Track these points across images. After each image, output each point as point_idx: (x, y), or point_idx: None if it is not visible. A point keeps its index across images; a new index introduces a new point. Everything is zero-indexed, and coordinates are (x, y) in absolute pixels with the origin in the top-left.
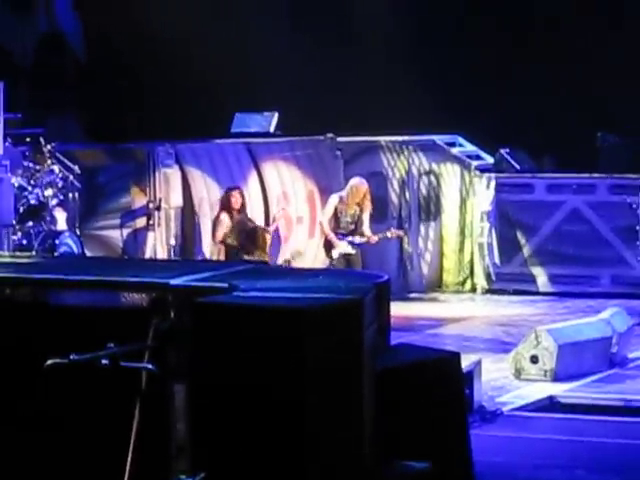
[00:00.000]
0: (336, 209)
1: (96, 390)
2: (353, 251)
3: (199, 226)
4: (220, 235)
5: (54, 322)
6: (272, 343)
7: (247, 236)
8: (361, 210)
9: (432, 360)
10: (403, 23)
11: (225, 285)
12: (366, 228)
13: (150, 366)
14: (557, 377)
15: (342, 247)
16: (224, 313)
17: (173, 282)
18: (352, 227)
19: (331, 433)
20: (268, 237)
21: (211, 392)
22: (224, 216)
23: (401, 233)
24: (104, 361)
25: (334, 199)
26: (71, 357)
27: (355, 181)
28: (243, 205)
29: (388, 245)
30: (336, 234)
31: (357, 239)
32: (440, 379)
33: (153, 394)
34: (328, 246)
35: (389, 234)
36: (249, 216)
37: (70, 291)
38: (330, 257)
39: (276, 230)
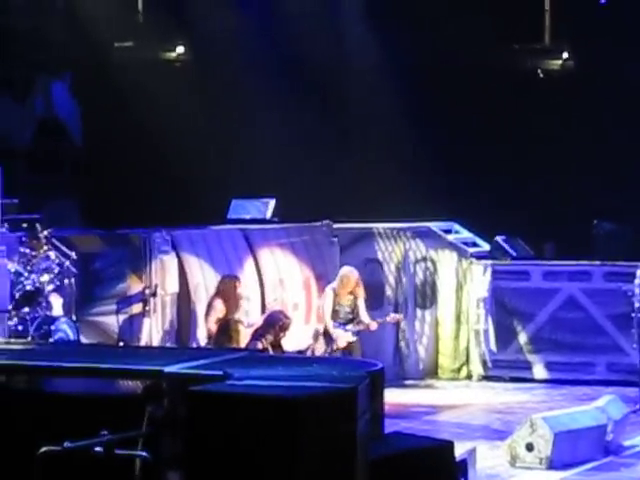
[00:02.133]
0: (333, 302)
1: (90, 478)
2: (354, 338)
3: (195, 312)
4: (213, 320)
5: (48, 409)
6: (266, 432)
7: (220, 328)
8: (355, 298)
9: (425, 449)
10: (398, 111)
11: (219, 373)
12: (363, 315)
13: (144, 454)
14: (553, 465)
15: (346, 337)
16: (218, 402)
17: (167, 370)
18: (350, 316)
19: None
20: (242, 329)
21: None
22: (218, 302)
23: (400, 317)
24: (98, 448)
25: (330, 292)
26: (65, 445)
27: (345, 271)
28: (239, 293)
29: (384, 332)
30: (337, 325)
31: (356, 327)
32: (433, 468)
33: None
34: (329, 341)
35: (388, 319)
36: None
37: (65, 378)
38: (334, 349)
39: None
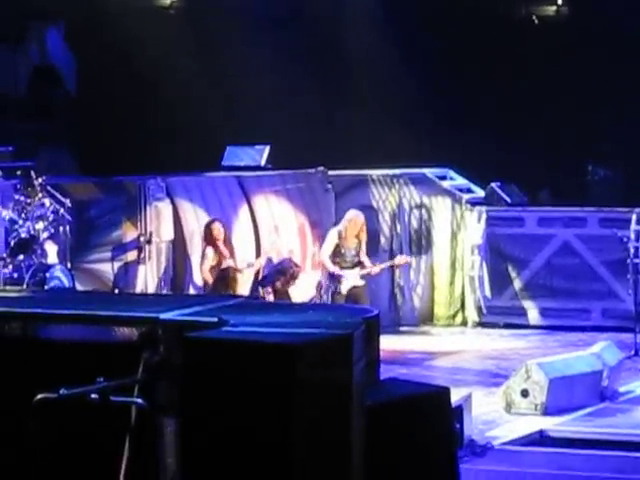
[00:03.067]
0: (337, 245)
1: (85, 425)
2: (362, 282)
3: (190, 259)
4: (206, 269)
5: (44, 356)
6: (261, 378)
7: (216, 277)
8: (360, 242)
9: (421, 395)
10: (394, 60)
11: (215, 319)
12: (366, 260)
13: (140, 401)
14: (548, 411)
15: (351, 280)
16: (214, 348)
17: (163, 316)
18: (356, 259)
19: (320, 469)
20: (239, 277)
21: (201, 427)
22: (209, 250)
23: (409, 259)
24: (94, 396)
25: (333, 234)
26: (60, 392)
27: (352, 214)
28: (226, 236)
29: (380, 278)
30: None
31: (362, 271)
32: (429, 414)
33: (143, 429)
34: (336, 282)
35: (397, 261)
36: (233, 246)
37: (60, 325)
38: (339, 292)
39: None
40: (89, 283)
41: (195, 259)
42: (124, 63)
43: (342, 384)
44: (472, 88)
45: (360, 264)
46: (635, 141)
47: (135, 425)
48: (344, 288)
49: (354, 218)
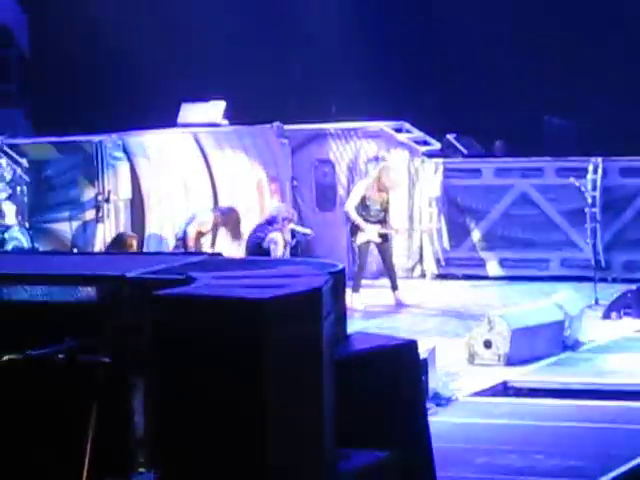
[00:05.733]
0: (364, 197)
1: (53, 385)
2: (378, 240)
3: (148, 217)
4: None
5: (8, 318)
6: (231, 335)
7: (113, 241)
8: (387, 200)
9: (390, 348)
10: (349, 13)
11: (182, 277)
12: (393, 217)
13: (107, 360)
14: (510, 361)
15: (369, 233)
16: (183, 305)
17: (129, 274)
18: (382, 215)
19: (292, 423)
20: (134, 242)
21: (170, 384)
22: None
23: (432, 226)
24: (61, 356)
25: (360, 187)
26: (27, 353)
27: (383, 164)
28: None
29: (338, 231)
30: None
31: (383, 229)
32: (398, 367)
33: (110, 388)
34: (354, 231)
35: (423, 227)
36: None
37: (24, 286)
38: (354, 241)
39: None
40: (47, 243)
41: (153, 217)
42: (76, 22)
43: (312, 339)
44: (425, 41)
45: (383, 222)
46: (589, 91)
47: (103, 384)
48: (359, 239)
49: (383, 169)
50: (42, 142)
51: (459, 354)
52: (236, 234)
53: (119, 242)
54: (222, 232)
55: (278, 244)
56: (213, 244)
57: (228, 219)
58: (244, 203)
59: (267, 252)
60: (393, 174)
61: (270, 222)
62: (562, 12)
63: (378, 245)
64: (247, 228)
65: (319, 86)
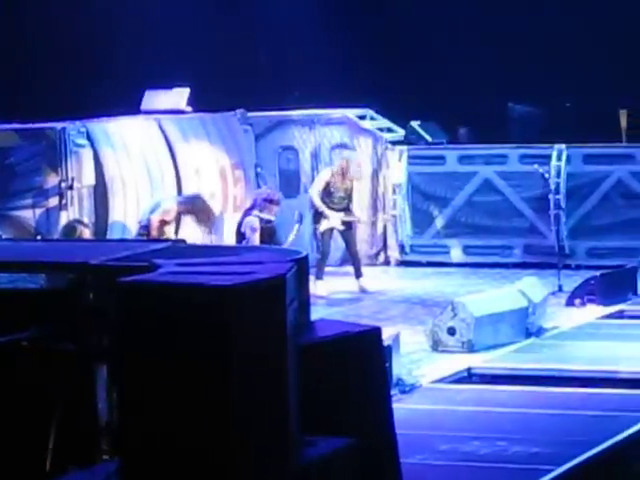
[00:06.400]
0: (327, 184)
1: (17, 373)
2: (341, 227)
3: (111, 204)
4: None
5: None
6: (195, 322)
7: (63, 229)
8: (350, 188)
9: (354, 335)
10: None
11: (146, 264)
12: (356, 206)
13: (71, 347)
14: (475, 348)
15: (332, 221)
16: (148, 292)
17: (93, 262)
18: (345, 203)
19: (257, 410)
20: (86, 231)
21: (134, 372)
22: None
23: (394, 212)
24: (24, 343)
25: (326, 173)
26: None
27: (349, 155)
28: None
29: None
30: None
31: (347, 217)
32: (362, 353)
33: (74, 375)
34: (317, 218)
35: (381, 218)
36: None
37: None
38: (317, 228)
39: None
40: (11, 230)
41: (116, 204)
42: (38, 7)
43: (276, 325)
44: (390, 28)
45: (347, 210)
46: (554, 78)
47: (67, 372)
48: (322, 226)
49: (349, 159)
50: (4, 129)
51: (423, 341)
52: (203, 221)
53: (69, 231)
54: (189, 220)
55: (254, 228)
56: (176, 232)
57: (192, 207)
58: (208, 190)
59: (244, 236)
60: (357, 166)
61: (252, 207)
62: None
63: (341, 232)
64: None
65: (283, 73)
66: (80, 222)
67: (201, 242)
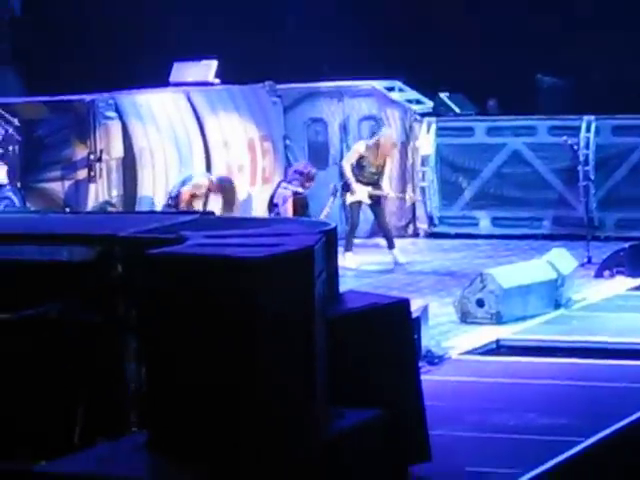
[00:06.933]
0: (361, 157)
1: (46, 344)
2: (368, 201)
3: (140, 176)
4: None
5: (1, 277)
6: (224, 293)
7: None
8: (384, 164)
9: (382, 306)
10: None
11: (174, 236)
12: (386, 182)
13: (99, 318)
14: (503, 320)
15: (359, 194)
16: (176, 264)
17: (121, 234)
18: (375, 178)
19: (285, 383)
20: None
21: (161, 343)
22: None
23: (418, 198)
24: (53, 315)
25: (360, 146)
26: (21, 312)
27: (385, 132)
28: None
29: (329, 190)
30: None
31: (375, 191)
32: (390, 325)
33: (103, 346)
34: (346, 189)
35: (407, 197)
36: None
37: (16, 245)
38: (345, 200)
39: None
40: (40, 203)
41: (145, 176)
42: None
43: (304, 297)
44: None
45: (376, 185)
46: (582, 49)
47: (95, 343)
48: (349, 199)
49: (387, 136)
50: (34, 101)
51: (452, 313)
52: (228, 204)
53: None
54: (214, 199)
55: (286, 199)
56: (204, 208)
57: (222, 188)
58: (236, 162)
59: (277, 207)
60: (393, 145)
61: (285, 179)
62: None
63: (370, 206)
64: (241, 192)
65: (311, 45)
66: (110, 203)
67: None
